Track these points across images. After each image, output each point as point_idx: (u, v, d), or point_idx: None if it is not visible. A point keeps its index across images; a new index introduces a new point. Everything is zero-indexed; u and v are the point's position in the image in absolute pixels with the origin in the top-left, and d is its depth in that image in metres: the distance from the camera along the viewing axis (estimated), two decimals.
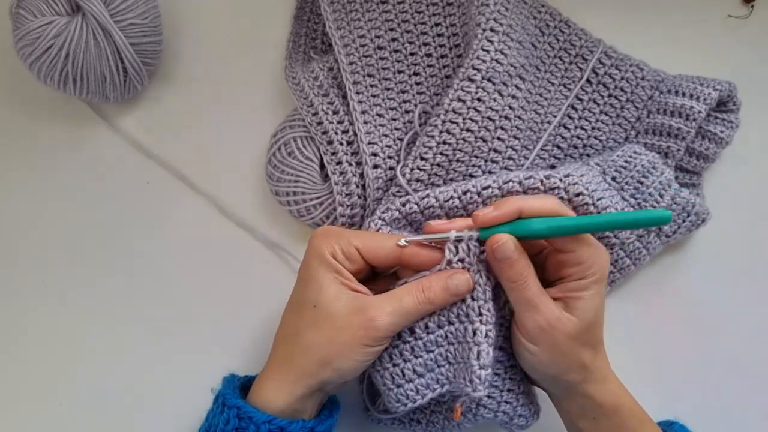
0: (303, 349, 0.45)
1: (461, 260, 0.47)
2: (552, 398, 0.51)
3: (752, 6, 0.63)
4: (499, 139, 0.56)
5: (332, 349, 0.45)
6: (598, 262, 0.46)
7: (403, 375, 0.47)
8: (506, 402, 0.50)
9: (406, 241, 0.48)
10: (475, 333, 0.45)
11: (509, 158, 0.57)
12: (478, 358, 0.45)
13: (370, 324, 0.44)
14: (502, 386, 0.50)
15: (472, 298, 0.46)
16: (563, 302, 0.46)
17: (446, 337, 0.47)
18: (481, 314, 0.46)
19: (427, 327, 0.47)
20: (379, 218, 0.53)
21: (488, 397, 0.49)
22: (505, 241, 0.45)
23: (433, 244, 0.48)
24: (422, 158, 0.55)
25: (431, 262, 0.47)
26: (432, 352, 0.47)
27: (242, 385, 0.48)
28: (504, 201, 0.47)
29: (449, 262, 0.47)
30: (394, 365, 0.48)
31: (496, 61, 0.55)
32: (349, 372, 0.46)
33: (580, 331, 0.46)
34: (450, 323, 0.47)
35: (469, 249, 0.47)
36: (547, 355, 0.47)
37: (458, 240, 0.47)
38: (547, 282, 0.48)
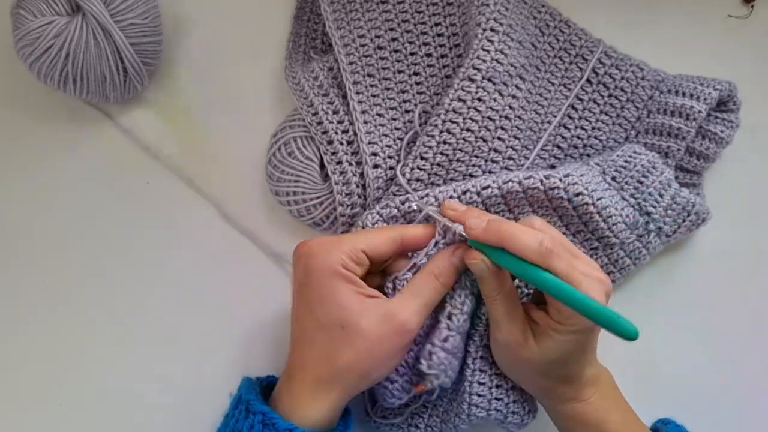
0: (343, 370, 0.45)
1: (447, 244, 0.49)
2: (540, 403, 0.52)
3: (752, 6, 0.63)
4: (499, 139, 0.56)
5: (372, 364, 0.45)
6: (582, 319, 0.42)
7: (396, 371, 0.48)
8: (496, 399, 0.50)
9: (417, 206, 0.50)
10: (442, 310, 0.47)
11: (509, 158, 0.57)
12: (434, 335, 0.47)
13: (402, 329, 0.44)
14: (490, 383, 0.50)
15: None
16: (538, 329, 0.46)
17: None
18: (452, 297, 0.48)
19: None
20: (377, 213, 0.53)
21: (477, 395, 0.50)
22: (476, 262, 0.45)
23: (434, 222, 0.49)
24: (422, 158, 0.55)
25: (427, 241, 0.49)
26: (419, 344, 0.49)
27: (261, 389, 0.48)
28: (495, 225, 0.45)
29: (436, 243, 0.48)
30: None
31: (497, 61, 0.55)
32: (384, 377, 0.47)
33: (538, 362, 0.46)
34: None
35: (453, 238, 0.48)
36: (504, 365, 0.49)
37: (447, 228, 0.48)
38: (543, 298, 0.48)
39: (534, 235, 0.43)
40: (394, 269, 0.49)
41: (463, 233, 0.47)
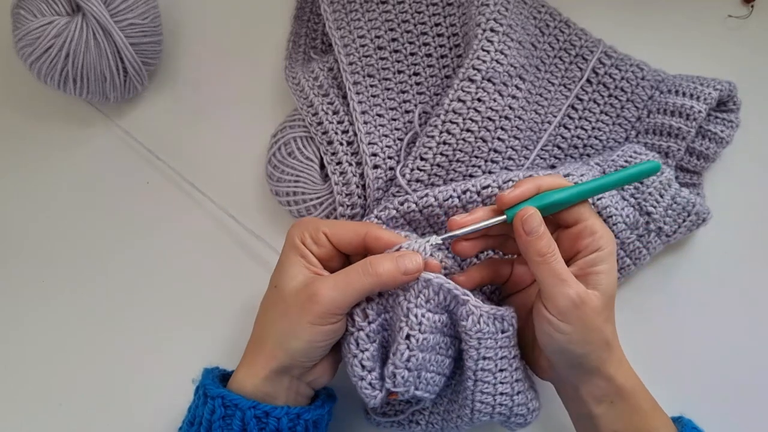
0: (264, 328, 0.47)
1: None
2: (564, 388, 0.51)
3: (752, 6, 0.63)
4: (499, 139, 0.56)
5: (284, 327, 0.45)
6: (608, 234, 0.48)
7: (362, 367, 0.47)
8: (501, 404, 0.50)
9: (442, 239, 0.48)
10: (399, 330, 0.46)
11: (509, 158, 0.57)
12: (394, 354, 0.45)
13: (312, 298, 0.44)
14: (493, 391, 0.50)
15: (404, 298, 0.46)
16: (583, 279, 0.47)
17: (384, 327, 0.48)
18: (407, 316, 0.46)
19: (366, 314, 0.47)
20: (376, 216, 0.53)
21: (480, 402, 0.49)
22: (532, 213, 0.46)
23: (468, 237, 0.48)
24: (422, 158, 0.55)
25: (390, 247, 0.47)
26: (374, 342, 0.47)
27: (222, 376, 0.49)
28: (522, 181, 0.48)
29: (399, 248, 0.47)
30: (353, 356, 0.47)
31: (496, 61, 0.55)
32: (300, 352, 0.46)
33: (603, 305, 0.46)
34: (386, 311, 0.47)
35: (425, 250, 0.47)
36: (578, 333, 0.46)
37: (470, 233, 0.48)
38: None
39: (550, 174, 0.50)
40: None
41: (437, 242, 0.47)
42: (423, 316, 0.46)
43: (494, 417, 0.50)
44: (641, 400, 0.48)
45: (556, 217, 0.48)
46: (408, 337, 0.45)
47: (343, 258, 0.49)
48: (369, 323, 0.47)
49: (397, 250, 0.47)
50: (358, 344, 0.47)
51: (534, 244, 0.46)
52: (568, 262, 0.47)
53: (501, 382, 0.49)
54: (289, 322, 0.45)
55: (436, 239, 0.48)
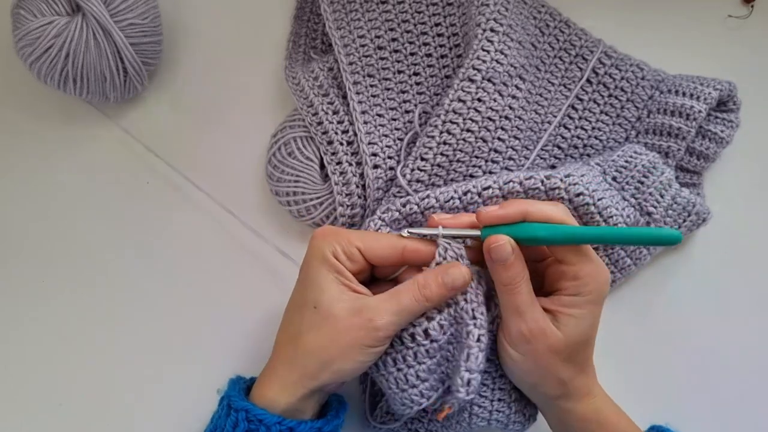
0: (305, 352, 0.45)
1: (454, 258, 0.47)
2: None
3: (752, 6, 0.63)
4: (499, 139, 0.56)
5: (333, 352, 0.44)
6: (596, 281, 0.45)
7: (407, 380, 0.47)
8: (498, 411, 0.50)
9: (409, 232, 0.47)
10: (468, 335, 0.45)
11: (510, 158, 0.57)
12: (467, 360, 0.44)
13: (369, 324, 0.44)
14: (491, 396, 0.50)
15: (465, 301, 0.46)
16: (553, 315, 0.46)
17: (448, 341, 0.47)
18: (474, 317, 0.46)
19: (427, 333, 0.46)
20: (379, 218, 0.53)
21: (478, 406, 0.49)
22: (503, 243, 0.45)
23: (431, 239, 0.48)
24: (422, 158, 0.55)
25: (432, 258, 0.47)
26: (434, 357, 0.47)
27: (248, 387, 0.48)
28: (511, 202, 0.46)
29: (441, 260, 0.47)
30: (398, 370, 0.47)
31: (496, 61, 0.55)
32: (349, 373, 0.46)
33: (563, 347, 0.45)
34: (451, 325, 0.47)
35: (458, 249, 0.47)
36: (526, 363, 0.47)
37: (449, 238, 0.47)
38: (543, 291, 0.48)
39: (549, 202, 0.47)
40: (405, 280, 0.48)
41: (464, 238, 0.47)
42: (482, 313, 0.46)
43: (491, 423, 0.50)
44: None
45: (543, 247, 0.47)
46: (479, 338, 0.45)
47: (369, 268, 0.48)
48: (431, 342, 0.46)
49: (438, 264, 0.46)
50: (416, 356, 0.47)
51: (499, 273, 0.45)
52: (550, 293, 0.47)
53: (500, 388, 0.49)
54: (343, 346, 0.44)
55: (404, 231, 0.47)
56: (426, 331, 0.46)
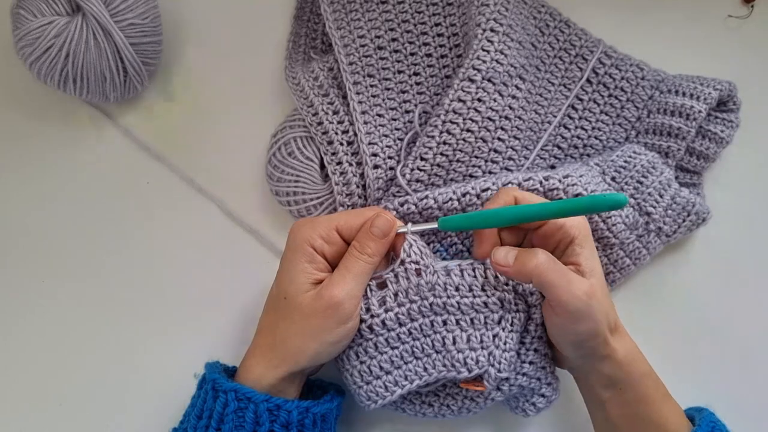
0: (281, 340, 0.48)
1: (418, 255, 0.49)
2: (577, 375, 0.52)
3: (752, 6, 0.63)
4: (499, 139, 0.56)
5: (306, 337, 0.47)
6: (575, 222, 0.48)
7: (370, 372, 0.49)
8: (542, 368, 0.51)
9: (411, 232, 0.49)
10: (500, 321, 0.48)
11: (509, 158, 0.57)
12: (503, 345, 0.48)
13: (332, 302, 0.46)
14: (537, 369, 0.51)
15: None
16: (576, 268, 0.47)
17: (410, 333, 0.49)
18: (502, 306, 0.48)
19: (384, 324, 0.49)
20: None
21: (530, 363, 0.50)
22: (504, 269, 0.47)
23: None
24: (422, 158, 0.55)
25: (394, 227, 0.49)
26: (396, 348, 0.49)
27: (225, 370, 0.51)
28: (494, 199, 0.49)
29: (405, 256, 0.49)
30: (361, 362, 0.49)
31: (496, 61, 0.55)
32: (325, 355, 0.48)
33: (600, 287, 0.47)
34: (412, 320, 0.49)
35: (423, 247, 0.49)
36: (588, 316, 0.46)
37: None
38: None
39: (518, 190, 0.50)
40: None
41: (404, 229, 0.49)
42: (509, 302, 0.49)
43: (513, 389, 0.50)
44: (650, 389, 0.49)
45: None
46: (500, 321, 0.48)
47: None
48: (388, 330, 0.49)
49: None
50: (377, 347, 0.49)
51: (537, 277, 0.46)
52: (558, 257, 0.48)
53: (535, 350, 0.50)
54: (312, 332, 0.47)
55: (414, 228, 0.50)
56: (383, 322, 0.49)
